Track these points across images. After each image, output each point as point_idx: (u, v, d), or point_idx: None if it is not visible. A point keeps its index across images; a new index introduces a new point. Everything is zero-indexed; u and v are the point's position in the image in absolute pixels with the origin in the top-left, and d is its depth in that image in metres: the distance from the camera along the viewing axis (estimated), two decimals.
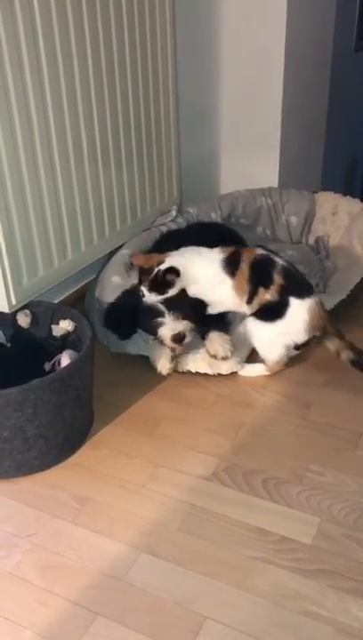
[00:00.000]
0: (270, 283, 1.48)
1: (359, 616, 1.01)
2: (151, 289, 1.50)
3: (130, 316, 1.57)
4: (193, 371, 1.57)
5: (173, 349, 1.54)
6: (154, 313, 1.52)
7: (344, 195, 2.14)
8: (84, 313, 1.53)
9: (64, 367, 1.32)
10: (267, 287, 1.48)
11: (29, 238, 1.50)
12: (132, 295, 1.59)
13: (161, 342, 1.53)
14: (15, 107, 1.35)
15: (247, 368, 1.59)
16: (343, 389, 1.53)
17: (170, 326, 1.50)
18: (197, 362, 1.57)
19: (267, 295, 1.48)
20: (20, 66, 1.35)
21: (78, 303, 1.85)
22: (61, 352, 1.41)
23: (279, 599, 1.04)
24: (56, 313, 1.51)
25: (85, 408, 1.43)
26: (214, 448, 1.37)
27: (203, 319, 1.54)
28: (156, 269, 1.50)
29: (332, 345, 1.51)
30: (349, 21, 2.76)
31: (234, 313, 1.63)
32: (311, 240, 2.17)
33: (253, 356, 1.61)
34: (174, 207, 2.04)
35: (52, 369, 1.40)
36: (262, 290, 1.49)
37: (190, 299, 1.52)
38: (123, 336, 1.62)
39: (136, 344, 1.62)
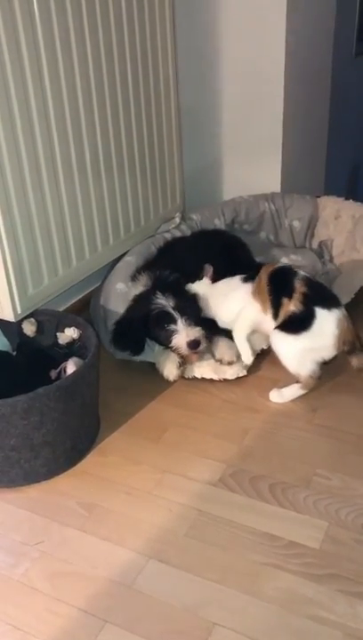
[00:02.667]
0: (292, 291, 1.45)
1: None
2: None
3: (139, 329, 1.54)
4: (199, 377, 1.58)
5: (187, 357, 1.52)
6: (165, 320, 1.50)
7: (346, 199, 2.14)
8: (89, 320, 1.54)
9: (70, 375, 1.33)
10: (290, 297, 1.45)
11: (34, 247, 1.51)
12: (139, 306, 1.56)
13: (176, 351, 1.50)
14: (18, 117, 1.36)
15: (284, 392, 1.52)
16: (349, 393, 1.53)
17: (184, 333, 1.48)
18: (202, 367, 1.57)
19: (291, 306, 1.44)
20: (23, 78, 1.37)
21: (83, 311, 1.85)
22: (67, 360, 1.42)
23: (288, 604, 1.04)
24: (61, 321, 1.52)
25: (92, 415, 1.43)
26: (221, 453, 1.37)
27: (208, 326, 1.53)
28: None
29: (357, 361, 1.45)
30: (349, 26, 2.78)
31: None
32: (315, 244, 2.18)
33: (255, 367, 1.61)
34: (178, 214, 2.05)
35: (58, 377, 1.40)
36: (285, 300, 1.45)
37: (200, 305, 1.53)
38: (134, 352, 1.58)
39: None
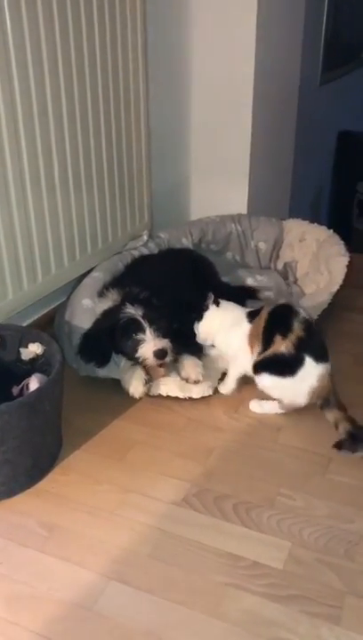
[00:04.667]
0: (289, 331, 1.41)
1: None
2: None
3: (106, 340, 1.52)
4: (164, 394, 1.57)
5: (153, 371, 1.52)
6: (133, 329, 1.48)
7: (311, 222, 2.19)
8: (53, 336, 1.51)
9: (33, 391, 1.30)
10: (284, 336, 1.42)
11: None
12: (107, 318, 1.55)
13: (142, 361, 1.50)
14: None
15: (264, 405, 1.52)
16: (313, 413, 1.54)
17: (151, 343, 1.47)
18: (168, 385, 1.56)
19: (282, 346, 1.42)
20: None
21: (48, 326, 1.83)
22: (30, 376, 1.39)
23: (252, 627, 1.03)
24: (25, 336, 1.49)
25: (54, 433, 1.40)
26: (185, 473, 1.36)
27: (175, 344, 1.53)
28: None
29: (331, 415, 1.43)
30: (314, 57, 2.87)
31: None
32: (280, 266, 2.21)
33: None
34: (145, 232, 2.06)
35: (21, 393, 1.37)
36: (278, 338, 1.42)
37: (168, 318, 1.52)
38: (100, 363, 1.56)
39: (107, 367, 1.60)
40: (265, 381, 1.47)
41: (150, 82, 1.99)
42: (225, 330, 1.53)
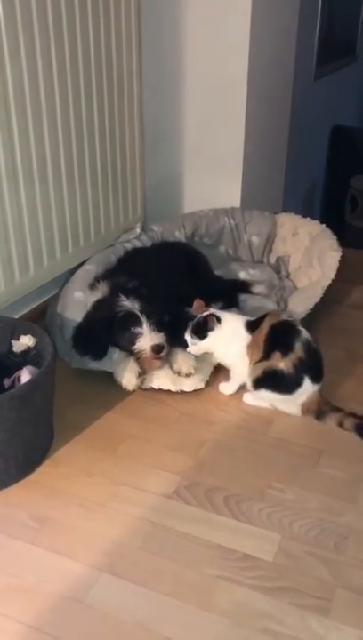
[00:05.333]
0: (290, 351, 1.42)
1: (320, 633, 1.01)
2: (193, 332, 1.50)
3: (102, 332, 1.51)
4: (156, 387, 1.57)
5: (148, 363, 1.52)
6: (131, 322, 1.48)
7: (304, 216, 2.19)
8: (45, 328, 1.51)
9: (24, 383, 1.30)
10: (284, 354, 1.42)
11: None
12: (101, 310, 1.54)
13: (138, 354, 1.50)
14: None
15: (256, 396, 1.53)
16: None
17: (149, 337, 1.48)
18: (160, 378, 1.56)
19: (281, 364, 1.42)
20: None
21: (40, 319, 1.82)
22: (21, 368, 1.39)
23: (241, 618, 1.03)
24: (17, 328, 1.49)
25: (46, 425, 1.40)
26: (176, 466, 1.36)
27: (168, 337, 1.53)
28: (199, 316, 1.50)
29: (331, 420, 1.44)
30: (309, 51, 2.86)
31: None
32: (272, 260, 2.21)
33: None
34: (138, 225, 2.05)
35: (12, 385, 1.37)
36: (277, 355, 1.42)
37: (165, 312, 1.52)
38: (96, 357, 1.54)
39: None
40: (262, 395, 1.49)
41: (144, 75, 1.98)
42: (224, 342, 1.51)
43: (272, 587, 1.09)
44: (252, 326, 1.50)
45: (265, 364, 1.45)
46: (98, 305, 1.57)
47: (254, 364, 1.47)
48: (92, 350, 1.54)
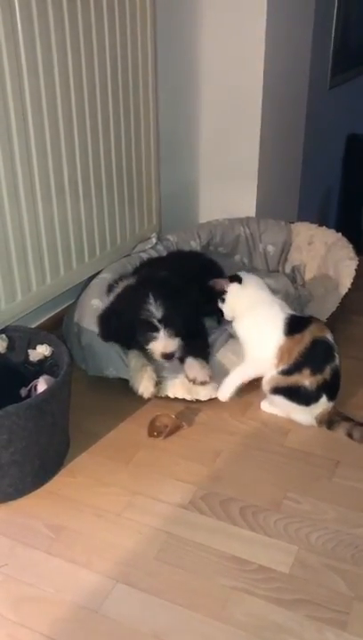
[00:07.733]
0: (320, 371, 1.42)
1: None
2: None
3: (130, 325, 1.54)
4: (171, 396, 1.57)
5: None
6: (149, 327, 1.52)
7: (320, 225, 2.19)
8: (61, 338, 1.52)
9: (40, 393, 1.31)
10: (315, 373, 1.42)
11: (8, 262, 1.50)
12: (131, 303, 1.56)
13: (150, 353, 1.53)
14: None
15: (271, 399, 1.52)
16: None
17: (163, 342, 1.51)
18: (175, 387, 1.56)
19: (307, 381, 1.42)
20: (4, 97, 1.37)
21: (56, 328, 1.83)
22: (38, 377, 1.40)
23: (258, 630, 1.02)
24: (33, 338, 1.50)
25: (62, 434, 1.41)
26: (192, 476, 1.36)
27: (184, 345, 1.54)
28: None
29: (341, 429, 1.44)
30: (324, 60, 2.87)
31: (215, 341, 1.66)
32: (288, 269, 2.20)
33: None
34: (154, 235, 2.06)
35: (29, 395, 1.38)
36: (307, 371, 1.42)
37: (184, 319, 1.53)
38: (123, 343, 1.60)
39: (116, 366, 1.60)
40: (277, 400, 1.49)
41: (159, 86, 2.00)
42: (249, 312, 1.47)
43: (289, 599, 1.08)
44: (292, 326, 1.45)
45: (291, 380, 1.44)
46: (126, 297, 1.60)
47: (279, 373, 1.45)
48: (118, 337, 1.59)
